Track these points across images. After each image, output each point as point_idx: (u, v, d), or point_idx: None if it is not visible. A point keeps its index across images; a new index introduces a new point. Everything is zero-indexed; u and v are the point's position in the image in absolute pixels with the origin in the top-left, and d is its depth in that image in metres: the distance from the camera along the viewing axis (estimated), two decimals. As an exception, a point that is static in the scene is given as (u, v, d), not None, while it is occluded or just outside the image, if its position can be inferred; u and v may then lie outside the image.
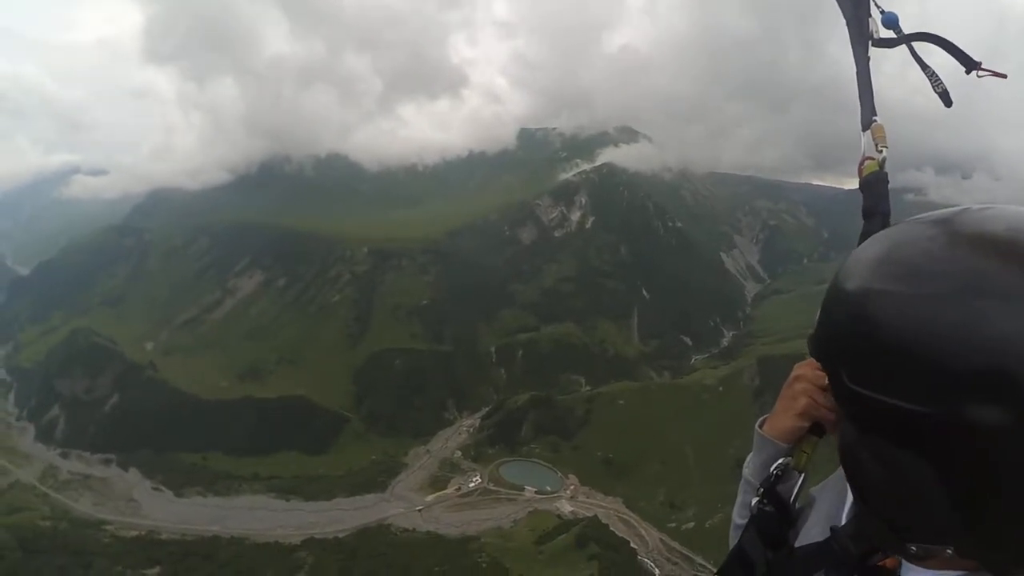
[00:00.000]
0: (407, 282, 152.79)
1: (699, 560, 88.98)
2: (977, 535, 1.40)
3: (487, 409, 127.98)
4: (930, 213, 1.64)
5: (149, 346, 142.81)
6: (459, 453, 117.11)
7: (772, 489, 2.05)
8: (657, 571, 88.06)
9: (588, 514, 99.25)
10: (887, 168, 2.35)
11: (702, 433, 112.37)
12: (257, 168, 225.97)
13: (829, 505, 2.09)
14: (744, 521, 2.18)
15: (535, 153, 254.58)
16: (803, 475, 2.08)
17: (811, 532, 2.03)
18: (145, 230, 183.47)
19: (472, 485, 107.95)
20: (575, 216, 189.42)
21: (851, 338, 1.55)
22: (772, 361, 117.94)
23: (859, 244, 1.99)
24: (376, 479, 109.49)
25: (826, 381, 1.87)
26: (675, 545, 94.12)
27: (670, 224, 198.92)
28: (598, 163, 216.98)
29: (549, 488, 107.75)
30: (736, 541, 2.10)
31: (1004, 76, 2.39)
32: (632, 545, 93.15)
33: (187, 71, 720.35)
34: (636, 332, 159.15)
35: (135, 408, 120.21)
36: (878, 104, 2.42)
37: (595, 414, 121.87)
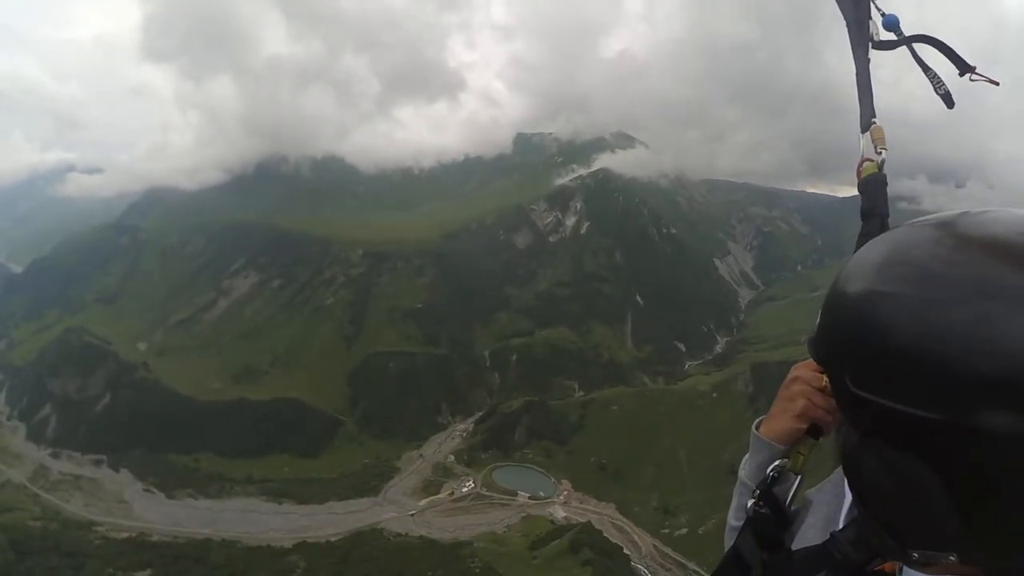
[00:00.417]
0: (402, 285, 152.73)
1: (692, 566, 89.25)
2: (982, 542, 1.38)
3: (481, 413, 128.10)
4: (931, 216, 1.60)
5: (142, 346, 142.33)
6: (452, 457, 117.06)
7: (768, 491, 2.01)
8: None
9: (581, 519, 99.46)
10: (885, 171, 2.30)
11: (696, 439, 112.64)
12: (253, 168, 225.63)
13: (826, 508, 2.07)
14: (740, 523, 2.12)
15: (531, 158, 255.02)
16: (799, 477, 2.06)
17: (808, 534, 2.02)
18: (140, 229, 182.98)
19: (465, 490, 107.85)
20: (570, 221, 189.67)
21: (855, 341, 1.51)
22: (766, 368, 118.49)
23: (858, 245, 1.97)
24: (369, 483, 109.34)
25: (824, 383, 1.87)
26: (668, 551, 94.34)
27: (665, 230, 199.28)
28: (594, 168, 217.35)
29: (542, 493, 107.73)
30: (732, 543, 2.07)
31: (996, 83, 2.37)
32: (625, 551, 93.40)
33: (184, 70, 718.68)
34: (630, 337, 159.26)
35: (127, 408, 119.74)
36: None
37: (589, 419, 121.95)
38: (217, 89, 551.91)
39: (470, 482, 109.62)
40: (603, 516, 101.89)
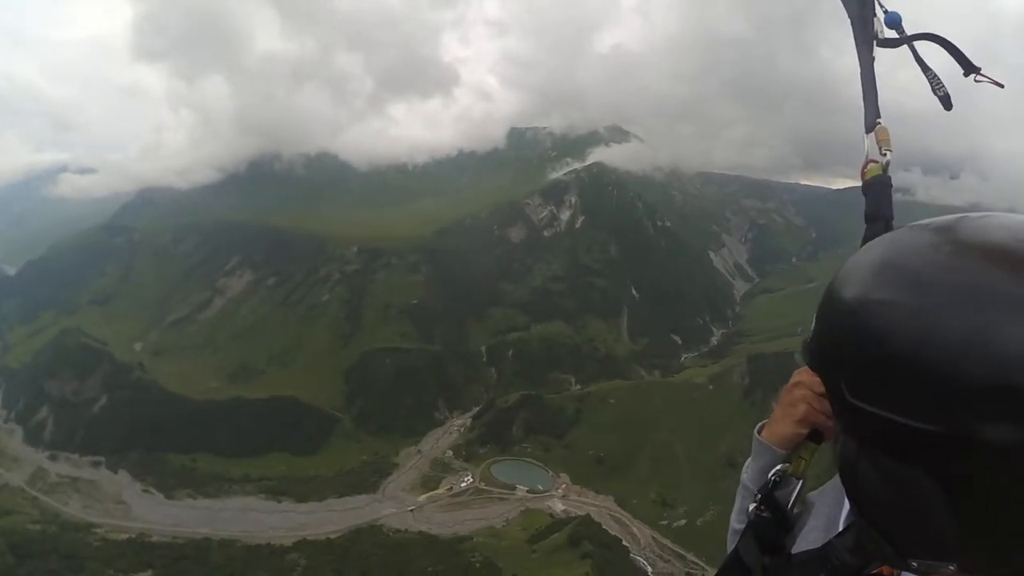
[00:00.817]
0: (397, 281, 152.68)
1: (691, 557, 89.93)
2: (981, 552, 1.37)
3: (478, 408, 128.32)
4: (928, 220, 1.57)
5: (138, 346, 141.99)
6: (450, 453, 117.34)
7: (770, 495, 2.02)
8: (649, 569, 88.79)
9: (580, 513, 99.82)
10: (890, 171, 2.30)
11: (693, 431, 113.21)
12: (247, 167, 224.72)
13: (828, 510, 2.08)
14: (742, 526, 2.14)
15: (525, 152, 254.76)
16: (801, 481, 2.06)
17: (809, 537, 1.98)
18: (134, 229, 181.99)
19: (464, 485, 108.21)
20: (565, 215, 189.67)
21: (851, 349, 1.50)
22: (762, 360, 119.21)
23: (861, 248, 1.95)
24: (368, 479, 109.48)
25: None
26: (667, 543, 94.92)
27: (660, 223, 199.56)
28: (588, 162, 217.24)
29: (541, 487, 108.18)
30: (733, 546, 2.09)
31: (1002, 85, 2.36)
32: (624, 543, 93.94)
33: (177, 69, 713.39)
34: (626, 331, 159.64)
35: (124, 409, 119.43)
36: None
37: (586, 413, 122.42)
38: (209, 88, 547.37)
39: (468, 477, 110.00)
40: (602, 509, 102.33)
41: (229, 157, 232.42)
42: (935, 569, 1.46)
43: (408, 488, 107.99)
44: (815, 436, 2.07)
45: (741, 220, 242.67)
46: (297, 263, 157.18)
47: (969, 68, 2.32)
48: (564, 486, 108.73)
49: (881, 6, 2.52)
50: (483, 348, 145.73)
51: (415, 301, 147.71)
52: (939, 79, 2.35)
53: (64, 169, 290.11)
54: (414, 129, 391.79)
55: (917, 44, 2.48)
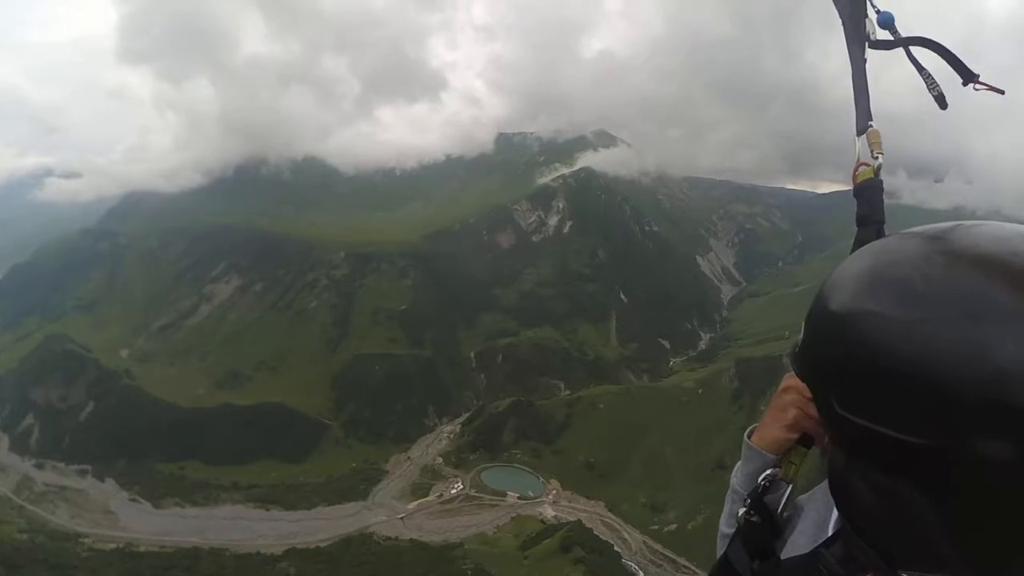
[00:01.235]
0: (386, 286, 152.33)
1: (682, 561, 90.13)
2: (972, 565, 1.35)
3: (468, 415, 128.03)
4: (919, 228, 1.55)
5: (124, 353, 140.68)
6: (440, 459, 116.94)
7: (760, 499, 2.04)
8: (641, 573, 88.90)
9: (571, 518, 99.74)
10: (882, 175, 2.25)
11: (682, 435, 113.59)
12: (233, 171, 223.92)
13: (817, 515, 2.02)
14: (732, 530, 2.16)
15: (513, 157, 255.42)
16: (791, 486, 2.08)
17: (798, 542, 1.97)
18: (120, 234, 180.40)
19: (454, 491, 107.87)
20: (553, 220, 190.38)
21: (841, 360, 1.47)
22: (750, 363, 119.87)
23: (852, 252, 1.92)
24: (357, 487, 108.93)
25: None
26: (658, 547, 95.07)
27: (647, 228, 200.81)
28: (576, 167, 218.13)
29: (532, 493, 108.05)
30: (723, 551, 2.10)
31: (1002, 92, 2.29)
32: (616, 548, 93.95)
33: (162, 71, 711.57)
34: (614, 335, 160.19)
35: (111, 417, 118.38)
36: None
37: (576, 418, 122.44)
38: (195, 91, 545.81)
39: (459, 484, 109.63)
40: (593, 514, 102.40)
41: (216, 161, 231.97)
42: None
43: (398, 495, 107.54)
44: (805, 441, 2.08)
45: (728, 224, 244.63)
46: (285, 268, 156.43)
47: (967, 76, 2.25)
48: (555, 492, 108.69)
49: (874, 6, 2.43)
50: (473, 354, 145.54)
51: (404, 307, 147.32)
52: (933, 79, 2.28)
53: (49, 173, 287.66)
54: (402, 134, 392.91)
55: (912, 49, 2.36)
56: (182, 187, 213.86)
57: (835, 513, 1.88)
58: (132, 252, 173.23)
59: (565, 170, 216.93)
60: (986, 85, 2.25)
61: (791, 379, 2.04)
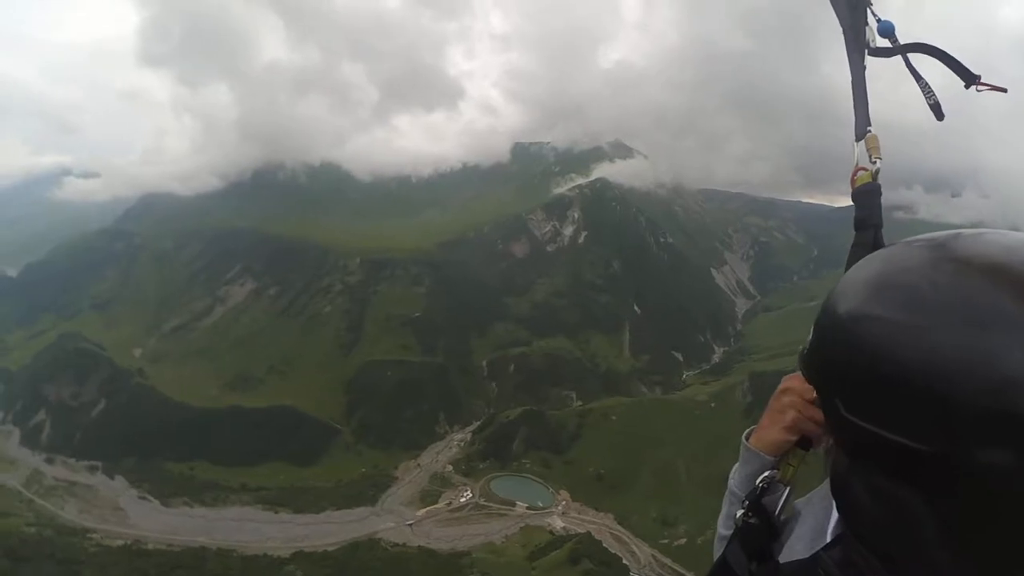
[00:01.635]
0: (400, 293, 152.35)
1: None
2: (974, 572, 1.36)
3: (478, 423, 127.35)
4: (926, 236, 1.56)
5: (137, 352, 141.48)
6: (450, 467, 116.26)
7: (757, 501, 2.03)
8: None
9: (580, 530, 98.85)
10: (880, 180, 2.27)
11: (694, 449, 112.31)
12: (250, 175, 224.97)
13: (815, 519, 2.00)
14: (729, 532, 2.15)
15: (529, 167, 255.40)
16: (789, 488, 2.07)
17: (796, 546, 1.96)
18: (135, 234, 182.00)
19: (463, 500, 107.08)
20: (568, 230, 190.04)
21: (849, 365, 1.48)
22: (763, 378, 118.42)
23: (850, 256, 2.00)
24: (366, 492, 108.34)
25: (815, 395, 1.83)
26: (667, 561, 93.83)
27: (662, 240, 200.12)
28: (592, 178, 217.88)
29: (541, 503, 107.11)
30: (720, 553, 2.09)
31: (1004, 90, 2.32)
32: (625, 561, 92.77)
33: (181, 75, 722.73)
34: (627, 347, 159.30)
35: (122, 415, 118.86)
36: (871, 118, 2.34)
37: (587, 429, 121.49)
38: (213, 95, 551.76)
39: (468, 492, 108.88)
40: (602, 526, 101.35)
41: (232, 165, 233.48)
42: None
43: (407, 502, 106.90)
44: (804, 443, 2.07)
45: (743, 237, 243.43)
46: (299, 273, 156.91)
47: (968, 78, 2.26)
48: (564, 503, 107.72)
49: (874, 14, 2.45)
50: (485, 362, 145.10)
51: (417, 313, 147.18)
52: (930, 88, 2.31)
53: (67, 172, 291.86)
54: (418, 141, 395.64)
55: (912, 55, 2.40)
56: (198, 190, 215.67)
57: (833, 519, 1.87)
58: (147, 253, 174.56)
59: (581, 180, 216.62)
60: (988, 85, 2.26)
61: (790, 380, 2.06)
